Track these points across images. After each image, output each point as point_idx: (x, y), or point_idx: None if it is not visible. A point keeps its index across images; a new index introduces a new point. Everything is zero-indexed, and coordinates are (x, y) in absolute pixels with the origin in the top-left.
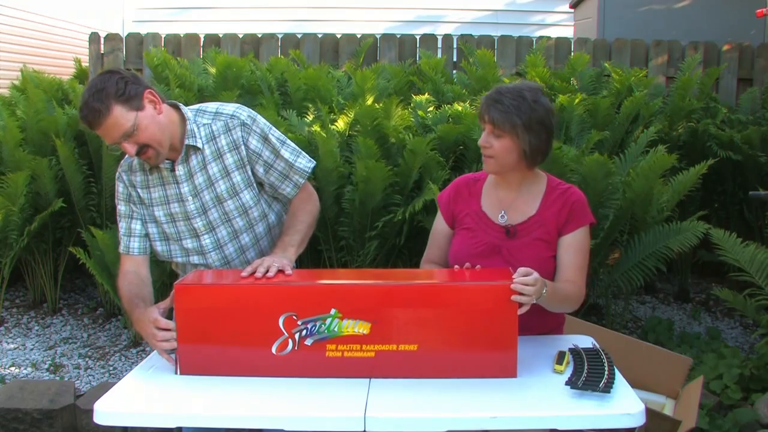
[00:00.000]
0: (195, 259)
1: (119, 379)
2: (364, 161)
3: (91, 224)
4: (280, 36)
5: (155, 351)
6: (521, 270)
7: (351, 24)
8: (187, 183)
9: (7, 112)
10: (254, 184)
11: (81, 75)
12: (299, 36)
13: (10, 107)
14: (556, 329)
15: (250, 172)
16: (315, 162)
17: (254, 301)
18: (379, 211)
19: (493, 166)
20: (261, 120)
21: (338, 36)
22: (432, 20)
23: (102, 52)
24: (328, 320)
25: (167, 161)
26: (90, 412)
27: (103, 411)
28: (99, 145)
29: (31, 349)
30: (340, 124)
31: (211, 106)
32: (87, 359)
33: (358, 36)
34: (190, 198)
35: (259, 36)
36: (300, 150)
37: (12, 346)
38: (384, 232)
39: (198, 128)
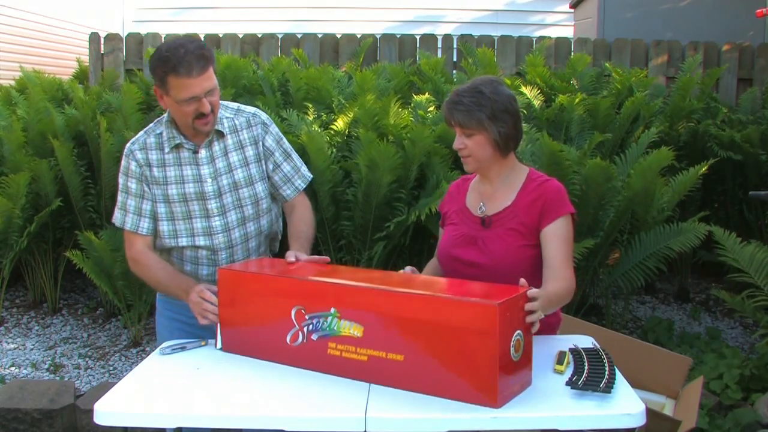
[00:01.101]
0: (200, 240)
1: (119, 379)
2: (367, 150)
3: (90, 225)
4: (280, 36)
5: (155, 351)
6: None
7: (351, 24)
8: (208, 166)
9: (8, 111)
10: (266, 179)
11: (81, 75)
12: (299, 36)
13: (10, 107)
14: (547, 330)
15: (264, 167)
16: (312, 176)
17: (273, 291)
18: (382, 207)
19: (473, 165)
20: (275, 125)
21: (338, 36)
22: (432, 20)
23: (102, 52)
24: (329, 318)
25: (191, 143)
26: (90, 412)
27: (103, 411)
28: (99, 146)
29: (31, 349)
30: (340, 123)
31: (232, 104)
32: (87, 359)
33: (358, 36)
34: (209, 180)
35: (259, 36)
36: (302, 161)
37: (12, 346)
38: (391, 233)
39: (222, 119)
